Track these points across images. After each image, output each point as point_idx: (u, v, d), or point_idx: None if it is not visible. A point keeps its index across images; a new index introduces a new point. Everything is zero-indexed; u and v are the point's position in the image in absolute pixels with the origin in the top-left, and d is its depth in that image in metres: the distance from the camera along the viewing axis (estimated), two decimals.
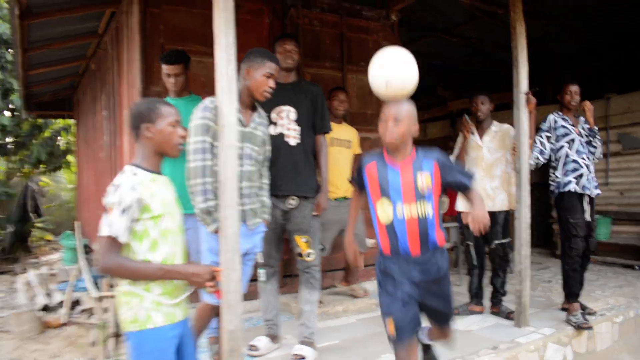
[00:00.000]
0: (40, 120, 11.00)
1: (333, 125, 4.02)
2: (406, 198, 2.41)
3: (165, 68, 3.50)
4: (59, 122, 11.63)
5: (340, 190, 4.45)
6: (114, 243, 1.97)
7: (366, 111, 5.44)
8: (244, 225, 2.83)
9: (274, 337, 3.58)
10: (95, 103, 7.12)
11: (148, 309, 2.02)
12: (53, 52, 6.79)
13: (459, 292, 5.15)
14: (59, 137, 11.28)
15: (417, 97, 2.62)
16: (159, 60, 3.60)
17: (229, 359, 2.65)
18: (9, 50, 10.39)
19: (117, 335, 4.75)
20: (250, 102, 2.97)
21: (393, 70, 2.47)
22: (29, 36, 5.87)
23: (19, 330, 5.24)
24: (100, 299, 5.71)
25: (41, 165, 10.99)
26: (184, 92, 3.58)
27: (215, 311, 2.82)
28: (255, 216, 2.94)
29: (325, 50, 5.23)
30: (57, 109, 10.41)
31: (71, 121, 11.67)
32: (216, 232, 2.69)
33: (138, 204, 2.01)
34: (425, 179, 2.42)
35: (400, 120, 2.43)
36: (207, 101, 2.78)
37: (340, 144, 4.52)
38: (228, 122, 2.67)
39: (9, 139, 10.56)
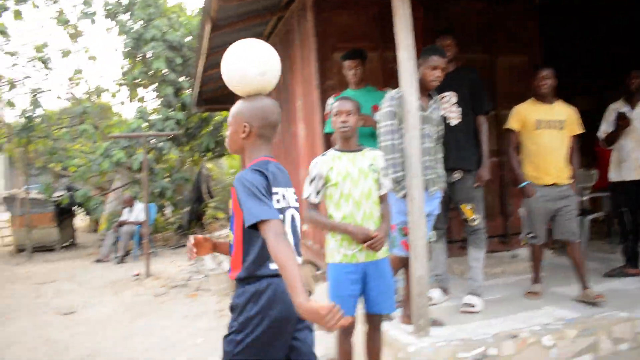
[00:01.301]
0: (205, 114, 12.49)
1: (539, 106, 4.19)
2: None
3: (347, 64, 4.20)
4: (221, 115, 13.09)
5: (550, 176, 4.11)
6: (309, 202, 2.94)
7: (514, 91, 5.78)
8: (426, 192, 3.46)
9: (444, 290, 4.18)
10: (281, 94, 8.12)
11: (332, 249, 2.93)
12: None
13: (613, 258, 5.37)
14: (221, 128, 12.72)
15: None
16: (340, 59, 4.29)
17: (418, 300, 3.30)
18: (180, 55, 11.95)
19: None
20: (426, 90, 3.57)
21: (225, 62, 2.15)
22: (210, 44, 6.96)
23: (218, 288, 6.37)
24: None
25: (208, 153, 12.51)
26: (362, 83, 4.25)
27: (403, 262, 3.48)
28: (433, 184, 3.55)
29: (474, 36, 5.63)
30: (221, 103, 11.80)
31: None
32: (404, 197, 3.34)
33: (319, 176, 2.91)
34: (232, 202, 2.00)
35: (229, 123, 2.11)
36: (394, 92, 3.43)
37: (550, 126, 4.13)
38: (411, 109, 3.31)
39: (181, 132, 12.14)
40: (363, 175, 2.93)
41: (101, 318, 5.71)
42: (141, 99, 14.24)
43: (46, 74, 11.82)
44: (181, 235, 11.64)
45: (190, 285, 6.98)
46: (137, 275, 7.69)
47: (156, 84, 12.20)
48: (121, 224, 9.67)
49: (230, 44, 2.22)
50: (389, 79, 4.65)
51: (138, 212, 9.68)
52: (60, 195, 11.53)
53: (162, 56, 11.25)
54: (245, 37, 7.55)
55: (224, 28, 6.35)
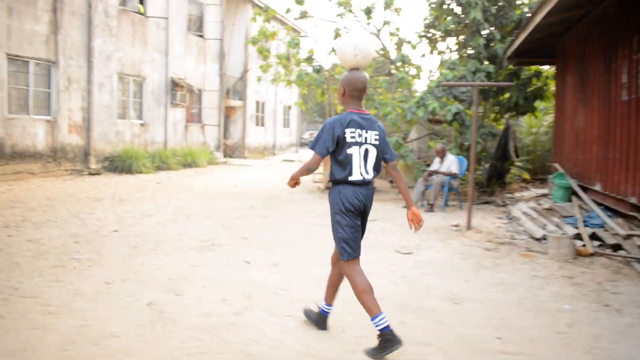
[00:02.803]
0: (512, 67, 11.88)
1: None
2: None
3: None
4: (530, 70, 12.30)
5: None
6: None
7: None
8: None
9: None
10: (611, 47, 7.28)
11: None
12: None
13: None
14: (530, 84, 11.91)
15: None
16: None
17: None
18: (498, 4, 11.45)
19: None
20: None
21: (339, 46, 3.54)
22: None
23: (557, 252, 5.99)
24: (628, 236, 6.04)
25: (512, 110, 11.91)
26: None
27: None
28: None
29: None
30: (533, 56, 11.08)
31: (544, 68, 12.27)
32: None
33: None
34: None
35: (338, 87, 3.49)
36: None
37: None
38: None
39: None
40: None
41: (441, 262, 5.88)
42: (441, 52, 14.22)
43: (366, 26, 12.55)
44: (480, 191, 11.46)
45: (517, 244, 6.76)
46: (457, 225, 7.77)
47: (466, 35, 11.95)
48: (431, 174, 9.91)
49: None
50: None
51: (449, 164, 9.80)
52: None
53: (479, 5, 10.88)
54: None
55: None
